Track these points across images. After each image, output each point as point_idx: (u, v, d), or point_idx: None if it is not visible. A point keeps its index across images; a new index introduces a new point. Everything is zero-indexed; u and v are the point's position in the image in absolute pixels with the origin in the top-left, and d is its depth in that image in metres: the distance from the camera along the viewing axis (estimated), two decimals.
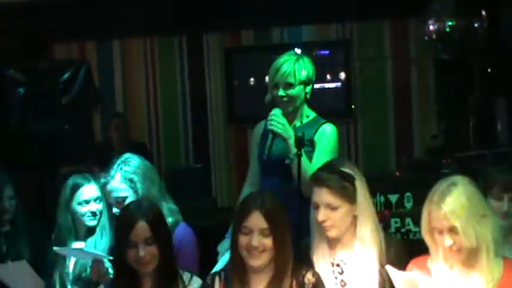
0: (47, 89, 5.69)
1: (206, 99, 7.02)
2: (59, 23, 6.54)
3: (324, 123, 3.58)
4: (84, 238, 3.52)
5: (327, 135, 3.51)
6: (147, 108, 7.12)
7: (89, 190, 3.51)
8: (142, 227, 2.76)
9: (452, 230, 2.62)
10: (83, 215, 3.49)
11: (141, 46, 7.10)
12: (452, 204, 2.62)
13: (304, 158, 3.38)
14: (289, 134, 3.45)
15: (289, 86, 3.54)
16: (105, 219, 3.50)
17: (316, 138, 3.51)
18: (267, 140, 3.49)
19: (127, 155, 3.39)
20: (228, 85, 6.93)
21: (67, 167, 5.46)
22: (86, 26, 6.68)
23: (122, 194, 3.25)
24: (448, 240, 2.63)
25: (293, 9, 6.50)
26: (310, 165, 3.39)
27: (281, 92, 3.54)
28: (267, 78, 3.66)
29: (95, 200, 3.50)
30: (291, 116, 3.59)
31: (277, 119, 3.48)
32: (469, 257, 2.67)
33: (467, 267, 2.69)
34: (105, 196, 3.41)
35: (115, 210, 3.28)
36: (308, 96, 3.60)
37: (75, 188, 3.51)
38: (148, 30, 6.89)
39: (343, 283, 2.89)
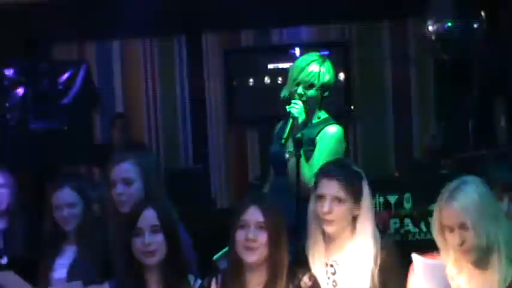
0: (46, 90, 5.69)
1: (205, 99, 7.02)
2: (58, 23, 6.54)
3: (328, 124, 3.63)
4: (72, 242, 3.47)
5: (327, 136, 3.57)
6: (147, 109, 7.11)
7: (60, 196, 3.41)
8: (150, 214, 2.81)
9: (462, 227, 2.62)
10: (59, 221, 3.42)
11: (141, 46, 7.10)
12: (464, 200, 2.63)
13: (301, 159, 3.41)
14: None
15: (311, 86, 3.59)
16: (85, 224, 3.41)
17: (318, 138, 3.57)
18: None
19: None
20: (227, 86, 6.93)
21: (67, 167, 5.46)
22: (85, 26, 6.68)
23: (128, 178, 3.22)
24: (458, 238, 2.62)
25: (292, 10, 6.50)
26: (306, 166, 3.45)
27: (300, 91, 3.59)
28: (290, 75, 3.68)
29: (68, 206, 3.39)
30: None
31: (300, 106, 3.54)
32: (480, 258, 2.66)
33: (477, 269, 2.68)
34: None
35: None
36: (324, 101, 3.67)
37: (51, 193, 3.44)
38: (147, 31, 6.88)
39: (334, 283, 2.90)
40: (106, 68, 7.09)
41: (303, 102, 3.58)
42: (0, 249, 3.73)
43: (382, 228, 4.40)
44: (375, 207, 4.46)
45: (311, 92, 3.59)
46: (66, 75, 5.82)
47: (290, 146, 3.49)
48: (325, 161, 3.39)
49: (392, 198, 4.51)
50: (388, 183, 4.78)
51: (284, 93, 3.68)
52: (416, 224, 4.42)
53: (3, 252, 3.69)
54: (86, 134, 6.08)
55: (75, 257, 3.40)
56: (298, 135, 3.41)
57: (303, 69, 3.60)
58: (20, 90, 5.63)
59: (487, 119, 6.21)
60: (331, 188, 2.87)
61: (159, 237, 2.80)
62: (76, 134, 5.69)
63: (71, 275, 3.35)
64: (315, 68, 3.59)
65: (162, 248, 2.81)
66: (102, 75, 7.01)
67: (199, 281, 2.90)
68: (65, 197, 3.41)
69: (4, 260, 3.63)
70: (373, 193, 4.37)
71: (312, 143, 3.57)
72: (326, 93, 3.64)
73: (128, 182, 3.20)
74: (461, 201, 2.63)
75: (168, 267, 2.82)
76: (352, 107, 6.76)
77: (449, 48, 5.74)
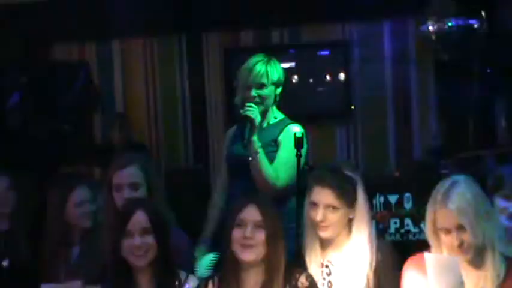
0: (47, 90, 5.70)
1: (206, 99, 7.01)
2: (58, 23, 6.54)
3: (290, 123, 3.63)
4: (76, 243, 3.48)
5: (291, 135, 3.51)
6: (147, 109, 7.11)
7: (79, 193, 3.46)
8: (140, 216, 2.81)
9: (460, 229, 2.61)
10: (77, 218, 3.46)
11: (141, 46, 7.10)
12: (459, 202, 2.62)
13: (264, 159, 3.44)
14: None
15: (262, 86, 3.60)
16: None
17: (280, 138, 3.56)
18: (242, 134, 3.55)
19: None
20: (227, 85, 6.92)
21: (67, 168, 5.46)
22: (85, 26, 6.68)
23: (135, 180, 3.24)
24: (456, 239, 2.62)
25: (293, 10, 6.50)
26: (271, 167, 3.45)
27: (254, 93, 3.60)
28: (239, 82, 3.70)
29: (88, 202, 3.45)
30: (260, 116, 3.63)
31: (255, 108, 3.54)
32: (475, 256, 2.67)
33: (472, 266, 2.68)
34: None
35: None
36: (277, 98, 3.67)
37: (69, 190, 3.48)
38: (148, 31, 6.88)
39: (330, 284, 2.90)
40: (106, 68, 7.09)
41: (258, 103, 3.58)
42: (2, 251, 3.73)
43: (382, 228, 4.41)
44: (375, 207, 4.47)
45: (263, 92, 3.60)
46: (66, 76, 5.82)
47: (249, 149, 3.50)
48: (290, 161, 3.41)
49: (392, 198, 4.51)
50: (388, 183, 4.79)
51: (237, 99, 3.69)
52: (416, 224, 4.42)
53: (4, 254, 3.69)
54: (87, 134, 6.09)
55: (76, 257, 3.41)
56: (299, 134, 3.40)
57: (250, 71, 3.63)
58: (20, 91, 5.64)
59: (487, 118, 6.21)
60: (324, 196, 2.86)
61: (150, 239, 2.80)
62: (76, 134, 5.70)
63: (71, 275, 3.35)
64: (262, 67, 3.62)
65: (152, 250, 2.80)
66: (102, 75, 7.00)
67: (191, 278, 2.89)
68: (84, 193, 3.44)
69: (6, 263, 3.63)
70: (373, 193, 4.42)
71: (274, 144, 3.57)
72: (278, 91, 3.65)
73: (135, 187, 3.20)
74: (457, 203, 2.62)
75: (158, 268, 2.82)
76: (352, 107, 6.76)
77: (449, 48, 5.74)
